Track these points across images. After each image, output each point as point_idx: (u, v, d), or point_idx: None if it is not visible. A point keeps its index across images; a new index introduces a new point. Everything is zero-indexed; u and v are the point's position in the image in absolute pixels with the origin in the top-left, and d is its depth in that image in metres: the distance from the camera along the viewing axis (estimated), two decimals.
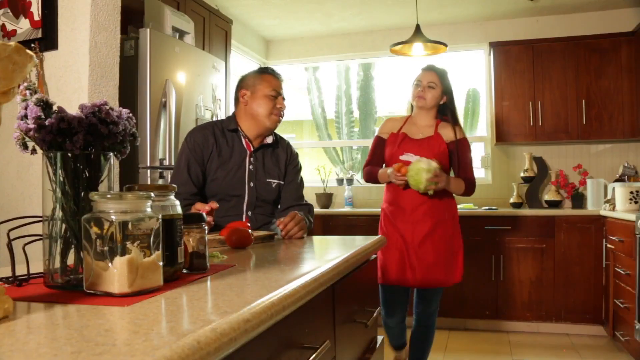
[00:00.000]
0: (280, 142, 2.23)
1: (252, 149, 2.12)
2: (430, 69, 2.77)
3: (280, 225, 1.83)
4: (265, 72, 2.17)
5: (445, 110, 2.77)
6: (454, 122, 2.75)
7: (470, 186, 2.71)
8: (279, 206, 2.16)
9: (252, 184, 2.09)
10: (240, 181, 2.07)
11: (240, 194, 2.07)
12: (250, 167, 2.10)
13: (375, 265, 1.79)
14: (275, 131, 2.23)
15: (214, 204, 1.73)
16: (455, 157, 2.71)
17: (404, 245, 2.65)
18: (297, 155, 2.28)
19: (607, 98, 4.20)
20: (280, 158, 2.19)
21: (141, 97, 2.81)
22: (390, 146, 2.75)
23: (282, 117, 2.16)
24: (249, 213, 2.07)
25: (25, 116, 0.98)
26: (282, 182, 2.16)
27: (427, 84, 2.70)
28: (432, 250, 2.63)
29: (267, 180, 2.12)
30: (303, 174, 2.29)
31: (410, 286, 2.68)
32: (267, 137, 2.16)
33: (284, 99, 2.15)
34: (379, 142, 2.84)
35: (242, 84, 2.16)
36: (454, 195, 2.75)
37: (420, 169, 2.49)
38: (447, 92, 2.75)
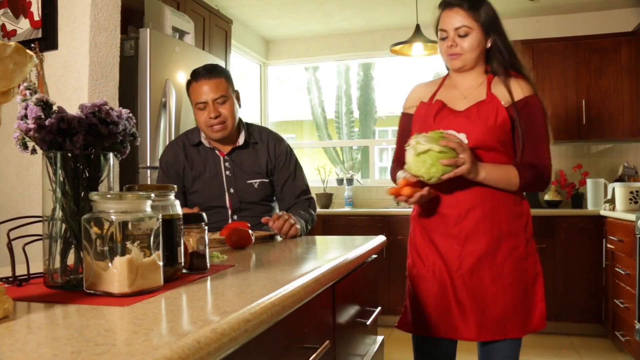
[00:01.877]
0: (260, 136, 2.08)
1: (224, 154, 2.03)
2: (454, 4, 1.72)
3: (274, 228, 1.77)
4: (191, 82, 1.97)
5: (497, 57, 1.74)
6: (505, 72, 1.73)
7: (539, 176, 1.69)
8: (279, 207, 2.11)
9: (232, 190, 2.01)
10: (219, 190, 2.00)
11: (222, 203, 2.00)
12: (227, 172, 2.01)
13: (375, 265, 1.78)
14: (269, 128, 2.19)
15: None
16: (516, 128, 1.70)
17: (447, 273, 1.72)
18: (283, 146, 2.09)
19: (607, 98, 4.20)
20: (260, 154, 2.05)
21: (141, 97, 2.81)
22: (420, 122, 1.78)
23: (224, 124, 1.93)
24: (235, 217, 2.01)
25: (25, 116, 0.98)
26: (265, 180, 2.05)
27: (457, 32, 1.71)
28: (491, 281, 1.69)
29: (248, 182, 2.02)
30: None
31: (461, 339, 1.77)
32: (237, 139, 2.03)
33: (220, 100, 1.92)
34: (405, 123, 1.88)
35: None
36: (524, 193, 1.79)
37: (425, 142, 1.59)
38: (491, 29, 1.71)
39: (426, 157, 1.58)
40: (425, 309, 1.75)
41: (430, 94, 1.83)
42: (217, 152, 2.03)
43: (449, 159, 1.56)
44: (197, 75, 1.95)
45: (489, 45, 1.73)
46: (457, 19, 1.70)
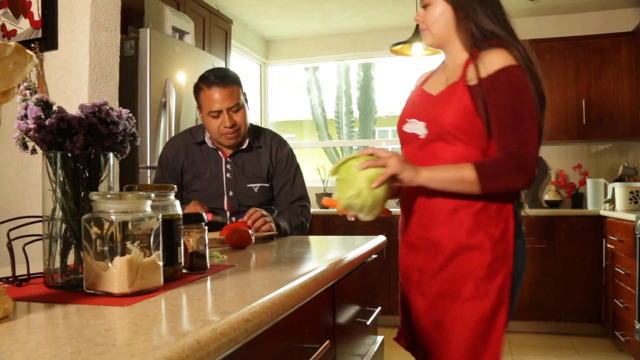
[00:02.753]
0: (264, 140, 2.05)
1: (227, 156, 2.00)
2: None
3: (249, 221, 1.74)
4: (202, 87, 1.92)
5: (463, 27, 1.45)
6: (466, 45, 1.45)
7: (511, 168, 1.31)
8: (274, 210, 2.08)
9: (231, 193, 1.98)
10: (219, 191, 1.98)
11: (220, 205, 1.98)
12: (228, 175, 1.99)
13: (375, 265, 1.78)
14: (270, 128, 2.17)
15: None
16: (482, 112, 1.35)
17: (404, 286, 1.60)
18: (285, 150, 2.07)
19: (607, 98, 4.20)
20: (263, 158, 2.02)
21: (141, 97, 2.80)
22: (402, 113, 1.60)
23: (238, 132, 1.92)
24: (233, 219, 1.98)
25: (25, 116, 0.98)
26: (266, 185, 2.03)
27: (422, 5, 1.49)
28: (429, 306, 1.48)
29: (248, 185, 2.00)
30: (303, 174, 2.15)
31: None
32: (242, 143, 2.00)
33: (234, 108, 1.89)
34: None
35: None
36: (514, 195, 1.50)
37: (346, 166, 1.41)
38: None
39: (342, 174, 1.39)
40: (403, 323, 1.65)
41: (420, 82, 1.62)
42: (220, 153, 2.02)
43: (366, 161, 1.35)
44: (210, 82, 1.90)
45: (457, 17, 1.46)
46: None
